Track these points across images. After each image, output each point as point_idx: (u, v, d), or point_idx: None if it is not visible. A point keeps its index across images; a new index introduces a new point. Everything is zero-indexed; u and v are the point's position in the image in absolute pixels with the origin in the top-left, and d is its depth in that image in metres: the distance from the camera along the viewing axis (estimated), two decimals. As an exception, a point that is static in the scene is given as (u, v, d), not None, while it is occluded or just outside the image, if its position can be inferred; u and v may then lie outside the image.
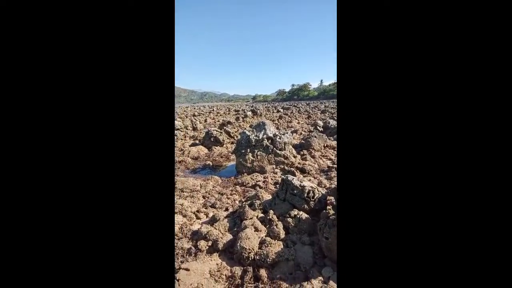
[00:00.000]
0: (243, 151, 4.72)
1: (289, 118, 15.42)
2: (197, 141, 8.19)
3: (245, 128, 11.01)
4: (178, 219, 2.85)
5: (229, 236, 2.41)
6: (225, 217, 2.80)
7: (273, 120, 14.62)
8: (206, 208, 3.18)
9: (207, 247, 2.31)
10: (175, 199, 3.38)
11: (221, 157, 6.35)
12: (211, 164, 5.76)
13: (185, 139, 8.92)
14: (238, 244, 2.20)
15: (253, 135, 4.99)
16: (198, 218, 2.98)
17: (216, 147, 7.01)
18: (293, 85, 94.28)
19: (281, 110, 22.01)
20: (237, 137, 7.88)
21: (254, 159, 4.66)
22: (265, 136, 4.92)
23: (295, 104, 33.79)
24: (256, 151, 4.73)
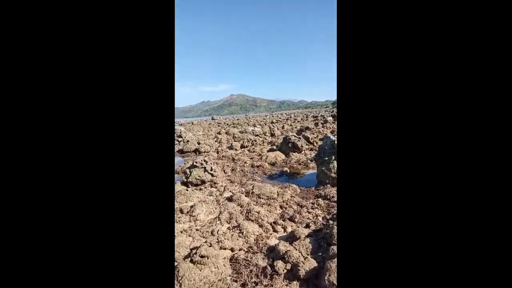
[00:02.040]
0: (326, 158, 4.08)
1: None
2: (274, 147, 8.09)
3: (325, 133, 10.06)
4: (254, 228, 2.62)
5: (313, 263, 1.92)
6: (307, 236, 2.32)
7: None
8: (284, 221, 2.81)
9: (285, 271, 1.91)
10: (252, 205, 3.21)
11: (299, 164, 5.89)
12: (288, 171, 5.40)
13: (263, 145, 9.06)
14: (326, 277, 1.68)
15: (338, 140, 4.27)
16: (275, 230, 2.64)
17: (294, 153, 6.62)
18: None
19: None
20: (316, 143, 7.19)
21: (339, 168, 3.93)
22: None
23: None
24: (342, 158, 3.98)
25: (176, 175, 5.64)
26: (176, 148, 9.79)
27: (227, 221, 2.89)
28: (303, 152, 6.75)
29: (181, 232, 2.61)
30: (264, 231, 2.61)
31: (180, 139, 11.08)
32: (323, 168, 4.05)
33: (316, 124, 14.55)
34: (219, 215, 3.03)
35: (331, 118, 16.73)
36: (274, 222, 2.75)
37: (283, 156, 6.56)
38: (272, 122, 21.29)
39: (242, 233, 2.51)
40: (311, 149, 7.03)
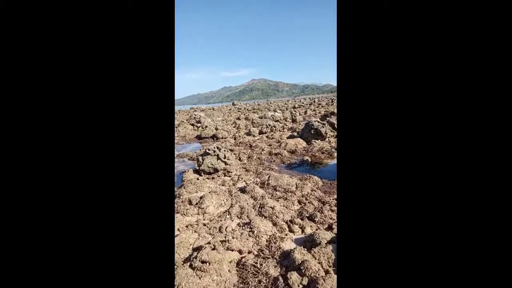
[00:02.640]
0: (355, 147, 3.53)
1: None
2: (295, 133, 7.57)
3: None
4: (267, 227, 2.29)
5: (335, 278, 1.54)
6: (329, 242, 1.93)
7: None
8: (302, 219, 2.43)
9: (301, 287, 1.56)
10: (267, 199, 2.87)
11: (322, 152, 5.36)
12: (309, 160, 4.93)
13: (283, 131, 8.56)
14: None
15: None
16: (291, 230, 2.29)
17: (317, 141, 6.06)
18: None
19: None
20: (343, 129, 6.52)
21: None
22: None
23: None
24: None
25: (190, 162, 5.51)
26: (195, 134, 9.76)
27: (238, 216, 2.61)
28: (327, 139, 6.16)
29: (187, 227, 2.39)
30: (278, 230, 2.27)
31: (199, 124, 11.03)
32: (350, 158, 3.53)
33: (342, 109, 13.49)
34: (229, 208, 2.75)
35: (359, 102, 15.45)
36: (291, 221, 2.40)
37: (304, 144, 6.05)
38: (294, 107, 20.38)
39: (253, 232, 2.20)
40: (336, 137, 6.39)
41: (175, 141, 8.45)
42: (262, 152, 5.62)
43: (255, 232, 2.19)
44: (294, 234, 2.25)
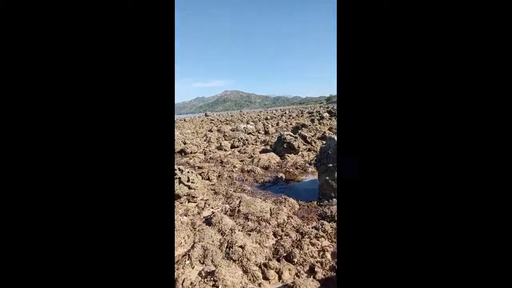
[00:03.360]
0: (331, 165, 3.30)
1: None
2: (268, 147, 7.30)
3: (323, 131, 9.32)
4: (235, 276, 1.82)
5: None
6: (313, 296, 1.54)
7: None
8: (278, 261, 2.02)
9: None
10: (236, 233, 2.41)
11: (296, 168, 5.13)
12: (284, 177, 4.63)
13: (256, 144, 8.24)
14: None
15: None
16: (265, 278, 1.85)
17: (290, 155, 5.84)
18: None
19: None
20: (315, 142, 6.43)
21: (347, 177, 3.17)
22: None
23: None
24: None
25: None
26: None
27: (200, 261, 2.09)
28: (300, 153, 5.98)
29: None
30: (250, 279, 1.82)
31: (165, 138, 10.16)
32: (327, 177, 3.28)
33: (312, 121, 13.83)
34: (190, 249, 2.22)
35: (327, 114, 16.05)
36: (265, 264, 1.96)
37: (277, 159, 5.77)
38: (266, 119, 20.45)
39: (217, 287, 1.71)
40: (309, 150, 6.26)
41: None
42: (234, 170, 5.17)
43: (220, 287, 1.71)
44: (270, 283, 1.82)
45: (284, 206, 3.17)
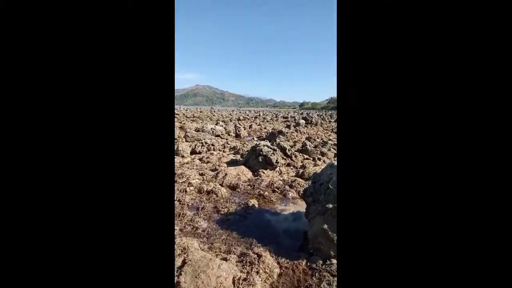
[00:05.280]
0: (331, 206, 2.15)
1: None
2: (238, 156, 5.98)
3: (301, 140, 8.37)
4: None
5: None
6: None
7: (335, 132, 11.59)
8: None
9: None
10: None
11: (273, 190, 3.93)
12: (256, 204, 3.38)
13: (223, 150, 6.84)
14: None
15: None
16: None
17: (265, 171, 4.63)
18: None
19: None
20: (296, 156, 5.32)
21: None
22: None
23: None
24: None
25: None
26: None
27: None
28: (277, 168, 4.81)
29: None
30: None
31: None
32: (325, 226, 2.11)
33: (288, 127, 12.96)
34: None
35: (303, 121, 15.43)
36: None
37: (249, 175, 4.50)
38: (238, 119, 19.07)
39: None
40: (288, 165, 5.14)
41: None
42: (188, 189, 3.72)
43: None
44: None
45: (257, 273, 1.92)
